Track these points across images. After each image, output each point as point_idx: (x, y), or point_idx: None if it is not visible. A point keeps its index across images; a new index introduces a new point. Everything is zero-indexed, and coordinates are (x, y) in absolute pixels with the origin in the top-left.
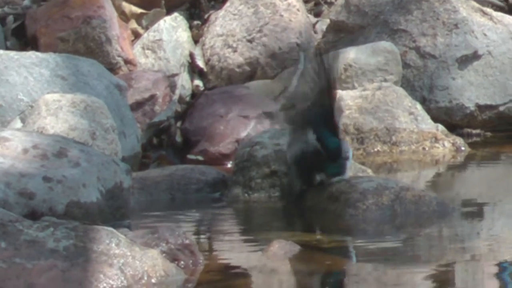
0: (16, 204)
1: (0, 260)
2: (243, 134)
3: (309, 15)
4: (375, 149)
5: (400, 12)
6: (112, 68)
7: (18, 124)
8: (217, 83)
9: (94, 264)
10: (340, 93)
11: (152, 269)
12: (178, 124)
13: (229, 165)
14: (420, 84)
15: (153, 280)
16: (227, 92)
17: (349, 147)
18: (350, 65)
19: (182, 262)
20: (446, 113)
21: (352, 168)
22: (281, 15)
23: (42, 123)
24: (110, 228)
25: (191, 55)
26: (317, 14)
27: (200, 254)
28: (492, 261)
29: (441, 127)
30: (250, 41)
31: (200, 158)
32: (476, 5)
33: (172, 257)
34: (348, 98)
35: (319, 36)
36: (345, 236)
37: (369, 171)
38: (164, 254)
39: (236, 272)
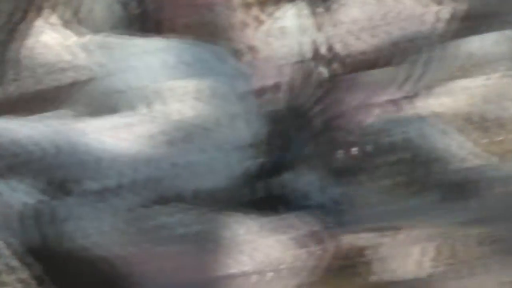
0: (143, 189)
1: (130, 245)
2: (367, 121)
3: (432, 3)
4: (499, 138)
5: None
6: (236, 55)
7: (143, 110)
8: (341, 71)
9: (224, 250)
10: (464, 81)
11: (281, 255)
12: None
13: (353, 152)
14: None
15: (282, 266)
16: (351, 79)
17: None
18: (474, 54)
19: (310, 249)
20: None
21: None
22: (404, 4)
23: (168, 109)
24: (240, 214)
25: (314, 43)
26: (440, 3)
27: (329, 240)
28: None
29: None
30: (373, 28)
31: None
32: None
33: (301, 244)
34: (472, 87)
35: (442, 24)
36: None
37: (494, 160)
38: (292, 241)
39: (366, 258)
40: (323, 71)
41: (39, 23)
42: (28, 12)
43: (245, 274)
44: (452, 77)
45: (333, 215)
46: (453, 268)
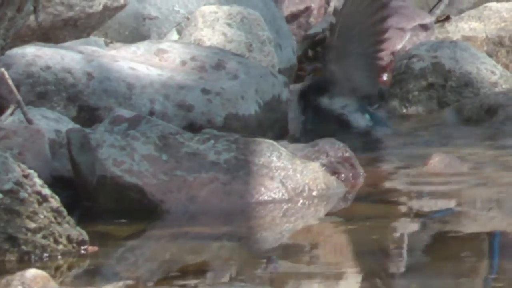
0: (175, 116)
1: (161, 173)
2: (398, 46)
3: None
4: None
5: None
6: None
7: (174, 36)
8: None
9: (255, 177)
10: (495, 5)
11: (313, 182)
12: None
13: (384, 77)
14: None
15: (314, 193)
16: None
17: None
18: None
19: (342, 175)
20: None
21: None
22: None
23: (199, 35)
24: (271, 141)
25: None
26: None
27: (360, 167)
28: None
29: None
30: None
31: None
32: None
33: (332, 170)
34: (503, 10)
35: None
36: (506, 149)
37: None
38: (324, 167)
39: (395, 186)
40: None
41: None
42: None
43: (276, 201)
44: (483, 1)
45: (368, 137)
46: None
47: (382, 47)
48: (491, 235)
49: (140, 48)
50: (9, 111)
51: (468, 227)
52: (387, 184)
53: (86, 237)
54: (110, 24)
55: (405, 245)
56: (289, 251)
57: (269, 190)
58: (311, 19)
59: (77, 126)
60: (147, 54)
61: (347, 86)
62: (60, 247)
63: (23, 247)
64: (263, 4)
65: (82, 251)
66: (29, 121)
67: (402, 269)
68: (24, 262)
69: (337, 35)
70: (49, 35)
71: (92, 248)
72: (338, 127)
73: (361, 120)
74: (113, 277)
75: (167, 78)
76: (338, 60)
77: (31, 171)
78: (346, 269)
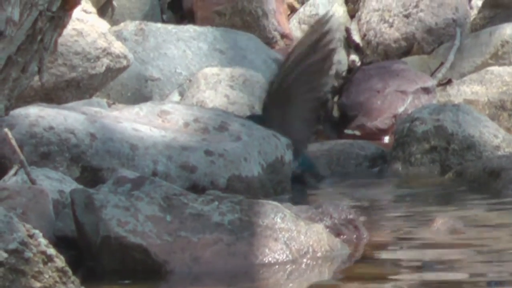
0: (178, 178)
1: (165, 233)
2: (400, 109)
3: None
4: None
5: None
6: (269, 42)
7: (176, 97)
8: (373, 58)
9: (260, 238)
10: (496, 69)
11: (317, 243)
12: (335, 99)
13: (386, 140)
14: None
15: (318, 255)
16: (384, 67)
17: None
18: (507, 41)
19: (345, 237)
20: None
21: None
22: None
23: (201, 96)
24: (275, 203)
25: (347, 30)
26: None
27: (364, 229)
28: None
29: None
30: (406, 16)
31: (357, 133)
32: None
33: (336, 232)
34: (505, 74)
35: (474, 11)
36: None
37: None
38: (328, 229)
39: (400, 247)
40: (355, 58)
41: (74, 11)
42: (65, 1)
43: (280, 263)
44: (485, 65)
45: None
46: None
47: (321, 91)
48: None
49: (143, 109)
50: (12, 171)
51: None
52: (391, 247)
53: None
54: (112, 85)
55: None
56: None
57: (273, 252)
58: None
59: (80, 186)
60: (150, 115)
61: (282, 129)
62: None
63: None
64: (265, 66)
65: None
66: (33, 181)
67: None
68: None
69: (281, 76)
70: (51, 95)
71: None
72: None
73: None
74: None
75: (170, 139)
76: (277, 101)
77: (36, 231)
78: None
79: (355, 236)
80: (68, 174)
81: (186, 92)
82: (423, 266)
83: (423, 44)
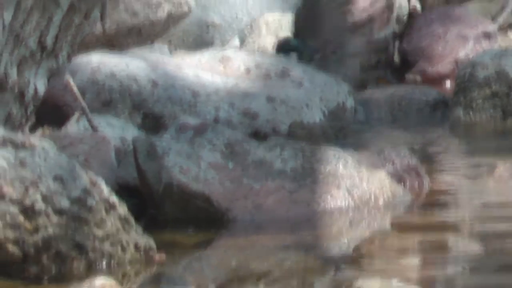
0: (240, 124)
1: (228, 180)
2: (461, 54)
3: None
4: None
5: None
6: None
7: (236, 43)
8: (434, 4)
9: (322, 185)
10: None
11: (379, 190)
12: (396, 44)
13: (447, 85)
14: None
15: (380, 202)
16: (445, 12)
17: None
18: None
19: (407, 184)
20: None
21: None
22: None
23: (262, 42)
24: (338, 149)
25: None
26: None
27: (426, 176)
28: None
29: None
30: None
31: (418, 78)
32: None
33: (398, 179)
34: None
35: None
36: None
37: None
38: (390, 176)
39: (461, 194)
40: (416, 4)
41: None
42: None
43: (343, 210)
44: None
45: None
46: None
47: None
48: None
49: (204, 56)
50: (74, 118)
51: None
52: (453, 194)
53: (154, 245)
54: (173, 31)
55: (467, 259)
56: (355, 261)
57: (335, 199)
58: (374, 27)
59: (142, 133)
60: (211, 62)
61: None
62: (128, 254)
63: (91, 255)
64: None
65: (150, 259)
66: (94, 129)
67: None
68: (91, 270)
69: None
70: (113, 42)
71: (159, 256)
72: None
73: None
74: (180, 285)
75: (232, 85)
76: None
77: (99, 179)
78: (410, 280)
79: (417, 183)
80: (129, 121)
81: (247, 38)
82: (484, 210)
83: None
